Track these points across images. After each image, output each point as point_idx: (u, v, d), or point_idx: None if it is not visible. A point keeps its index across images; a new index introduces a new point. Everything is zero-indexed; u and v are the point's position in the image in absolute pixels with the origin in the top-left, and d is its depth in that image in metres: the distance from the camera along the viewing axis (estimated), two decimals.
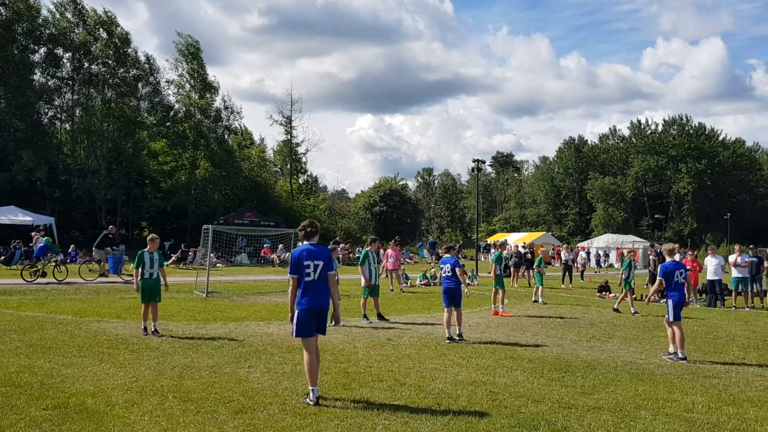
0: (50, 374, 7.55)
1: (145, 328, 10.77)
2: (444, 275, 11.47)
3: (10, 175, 38.60)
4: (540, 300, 18.30)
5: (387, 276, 21.77)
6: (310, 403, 6.47)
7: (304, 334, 6.65)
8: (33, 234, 28.37)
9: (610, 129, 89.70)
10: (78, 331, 10.91)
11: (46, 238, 26.14)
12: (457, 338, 11.01)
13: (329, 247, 12.06)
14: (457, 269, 11.24)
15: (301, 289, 6.68)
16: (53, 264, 21.67)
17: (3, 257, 27.29)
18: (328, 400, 6.69)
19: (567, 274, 26.25)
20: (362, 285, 13.50)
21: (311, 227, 6.92)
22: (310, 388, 6.59)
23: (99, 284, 20.55)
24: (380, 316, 13.49)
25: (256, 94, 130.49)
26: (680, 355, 9.66)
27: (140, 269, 10.79)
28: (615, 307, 16.71)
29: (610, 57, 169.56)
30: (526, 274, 26.25)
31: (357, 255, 41.00)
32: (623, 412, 6.60)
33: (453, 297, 11.16)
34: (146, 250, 10.91)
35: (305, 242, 6.90)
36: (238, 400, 6.59)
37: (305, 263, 6.68)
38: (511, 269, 25.54)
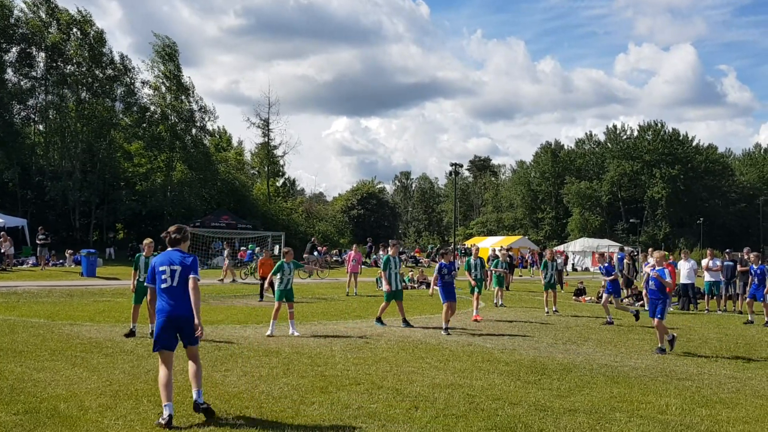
0: (21, 378, 7.42)
1: (133, 331, 10.72)
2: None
3: None
4: (500, 302, 18.40)
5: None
6: (162, 422, 5.69)
7: (162, 347, 6.03)
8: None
9: (586, 134, 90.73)
10: (50, 334, 10.74)
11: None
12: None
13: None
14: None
15: (159, 297, 6.16)
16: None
17: None
18: (304, 405, 6.66)
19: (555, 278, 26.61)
20: (383, 289, 13.42)
21: (176, 233, 6.32)
22: (164, 404, 5.83)
23: (73, 287, 20.23)
24: (405, 321, 13.22)
25: (231, 95, 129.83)
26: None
27: (137, 272, 11.14)
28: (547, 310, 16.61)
29: (582, 61, 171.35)
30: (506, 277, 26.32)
31: (335, 258, 41.01)
32: (598, 414, 6.65)
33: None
34: (143, 254, 11.19)
35: (168, 249, 6.33)
36: (214, 404, 6.50)
37: (161, 269, 6.14)
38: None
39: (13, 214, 35.21)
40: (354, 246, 24.78)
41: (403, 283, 22.32)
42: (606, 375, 8.73)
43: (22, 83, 43.27)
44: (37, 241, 28.52)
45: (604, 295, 14.97)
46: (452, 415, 6.41)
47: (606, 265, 15.50)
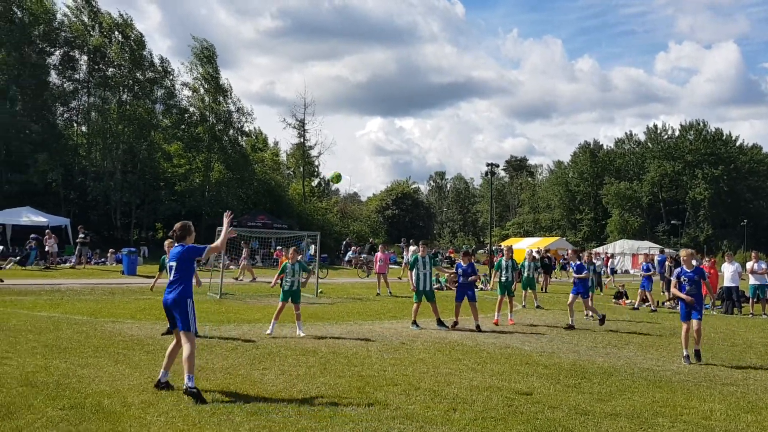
0: (66, 374, 7.59)
1: (170, 329, 10.83)
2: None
3: (26, 177, 39.00)
4: (535, 304, 18.44)
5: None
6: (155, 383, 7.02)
7: (170, 326, 7.24)
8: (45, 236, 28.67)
9: (626, 134, 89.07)
10: (93, 331, 10.97)
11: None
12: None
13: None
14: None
15: None
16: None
17: (18, 258, 27.55)
18: (342, 404, 6.67)
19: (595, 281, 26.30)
20: (412, 290, 13.36)
21: (179, 230, 7.20)
22: (161, 370, 7.14)
23: (115, 285, 20.67)
24: (439, 322, 13.14)
25: (266, 97, 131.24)
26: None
27: (162, 272, 11.38)
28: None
29: (621, 60, 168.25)
30: (541, 280, 26.04)
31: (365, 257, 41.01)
32: (640, 419, 6.52)
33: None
34: (167, 255, 11.24)
35: (175, 244, 7.23)
36: (252, 402, 6.58)
37: (168, 264, 7.28)
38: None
39: (56, 214, 36.16)
40: (380, 246, 24.75)
41: (437, 284, 22.26)
42: (648, 379, 8.55)
43: (65, 85, 44.42)
44: (77, 240, 29.27)
45: (570, 296, 14.35)
46: (491, 418, 6.35)
47: (577, 263, 14.83)
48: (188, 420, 5.91)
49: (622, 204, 74.08)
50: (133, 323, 12.22)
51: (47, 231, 29.04)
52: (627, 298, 21.26)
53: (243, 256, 26.73)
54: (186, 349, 6.82)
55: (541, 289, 24.74)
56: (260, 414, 6.17)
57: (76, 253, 28.93)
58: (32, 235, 30.11)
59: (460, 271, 13.48)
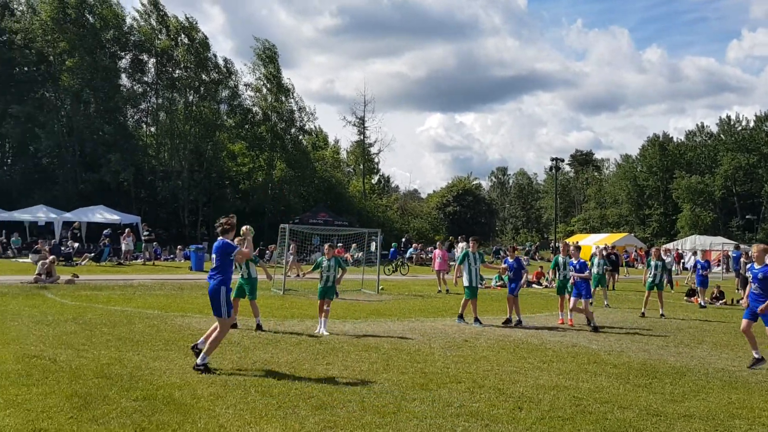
0: (139, 366, 7.85)
1: (235, 324, 11.04)
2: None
3: (99, 177, 40.74)
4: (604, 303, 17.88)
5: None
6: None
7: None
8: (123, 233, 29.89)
9: (697, 125, 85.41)
10: (164, 325, 11.33)
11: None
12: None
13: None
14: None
15: None
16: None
17: (93, 254, 28.76)
18: (406, 401, 6.65)
19: (666, 278, 25.50)
20: (463, 285, 13.25)
21: (223, 225, 7.98)
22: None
23: (183, 281, 21.30)
24: (477, 320, 13.06)
25: (326, 95, 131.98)
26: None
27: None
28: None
29: (691, 49, 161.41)
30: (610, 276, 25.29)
31: (429, 256, 40.94)
32: (716, 421, 6.26)
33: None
34: None
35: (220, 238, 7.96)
36: (317, 396, 6.65)
37: (212, 256, 8.08)
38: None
39: (128, 212, 37.60)
40: (438, 243, 24.57)
41: (482, 282, 22.04)
42: (723, 380, 8.20)
43: (134, 88, 46.11)
44: (143, 238, 30.37)
45: (572, 300, 13.21)
46: (558, 417, 6.21)
47: (580, 260, 13.60)
48: (255, 412, 6.01)
49: (693, 198, 71.23)
50: (201, 317, 12.55)
51: (127, 229, 30.29)
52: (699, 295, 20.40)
53: (290, 251, 27.16)
54: (215, 332, 7.73)
55: (609, 287, 24.05)
56: (325, 408, 6.22)
57: (144, 249, 30.01)
58: (105, 231, 31.47)
59: (506, 266, 13.99)
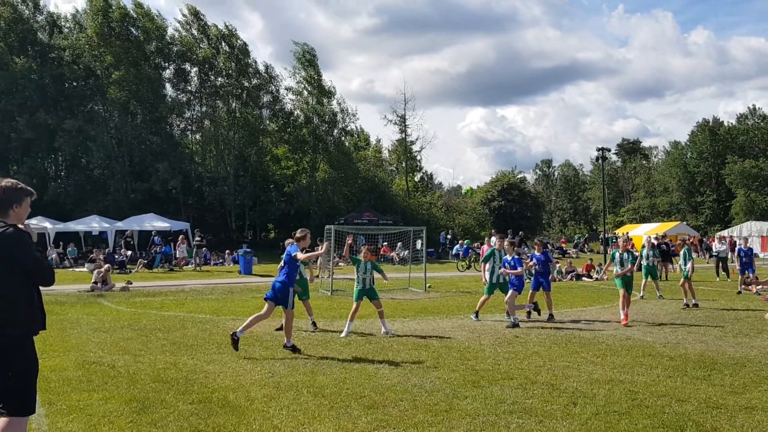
0: (194, 370, 8.01)
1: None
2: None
3: (149, 186, 41.83)
4: (658, 294, 17.37)
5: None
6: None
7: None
8: (179, 239, 30.72)
9: (748, 108, 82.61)
10: (216, 329, 11.54)
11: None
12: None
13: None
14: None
15: None
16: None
17: (146, 261, 29.52)
18: (458, 398, 6.61)
19: (721, 266, 24.81)
20: (484, 283, 13.06)
21: (297, 233, 9.69)
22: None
23: (233, 284, 21.67)
24: (476, 314, 12.93)
25: (366, 95, 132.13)
26: None
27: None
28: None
29: (739, 29, 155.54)
30: (661, 267, 24.66)
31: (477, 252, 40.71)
32: None
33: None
34: None
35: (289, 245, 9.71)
36: (369, 396, 6.67)
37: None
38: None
39: (177, 219, 38.48)
40: (486, 239, 24.32)
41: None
42: None
43: (179, 97, 47.16)
44: (194, 243, 30.96)
45: (510, 292, 12.30)
46: (614, 412, 6.08)
47: (515, 256, 12.70)
48: (308, 413, 6.07)
49: (747, 183, 68.82)
50: None
51: (181, 236, 31.05)
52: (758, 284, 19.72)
53: (320, 248, 27.20)
54: (287, 319, 9.25)
55: (661, 278, 23.46)
56: (377, 407, 6.24)
57: (194, 254, 30.66)
58: (155, 238, 32.27)
59: (534, 260, 13.46)
